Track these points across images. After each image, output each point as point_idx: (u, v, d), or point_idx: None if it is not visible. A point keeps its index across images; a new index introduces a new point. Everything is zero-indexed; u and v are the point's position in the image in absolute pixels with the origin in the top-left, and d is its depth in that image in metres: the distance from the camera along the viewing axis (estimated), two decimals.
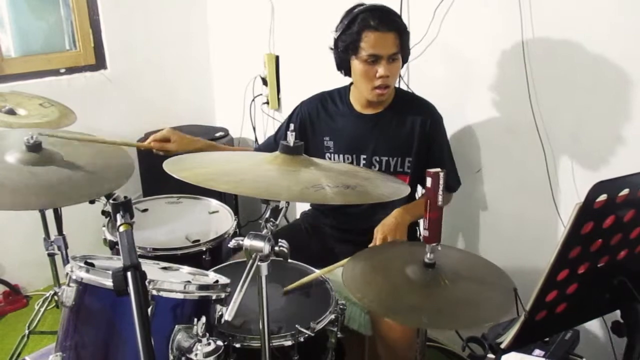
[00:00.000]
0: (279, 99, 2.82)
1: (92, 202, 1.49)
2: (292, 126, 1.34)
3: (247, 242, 1.13)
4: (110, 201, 1.15)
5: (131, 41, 2.86)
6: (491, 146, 1.98)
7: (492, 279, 1.32)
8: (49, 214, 2.05)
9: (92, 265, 1.22)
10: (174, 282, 1.19)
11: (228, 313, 1.15)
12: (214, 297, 1.25)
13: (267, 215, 1.21)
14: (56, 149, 1.53)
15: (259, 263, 1.13)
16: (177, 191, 2.10)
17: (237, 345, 1.33)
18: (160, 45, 2.95)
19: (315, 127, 1.90)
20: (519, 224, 1.95)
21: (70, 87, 2.70)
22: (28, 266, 2.64)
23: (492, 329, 1.33)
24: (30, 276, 2.75)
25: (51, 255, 2.07)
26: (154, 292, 1.13)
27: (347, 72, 1.77)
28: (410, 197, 1.81)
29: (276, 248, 1.15)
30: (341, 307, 1.45)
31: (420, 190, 1.97)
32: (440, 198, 1.23)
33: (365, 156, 1.83)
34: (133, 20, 2.84)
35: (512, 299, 1.15)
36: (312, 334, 1.34)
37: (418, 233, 1.97)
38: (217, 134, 2.88)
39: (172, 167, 1.23)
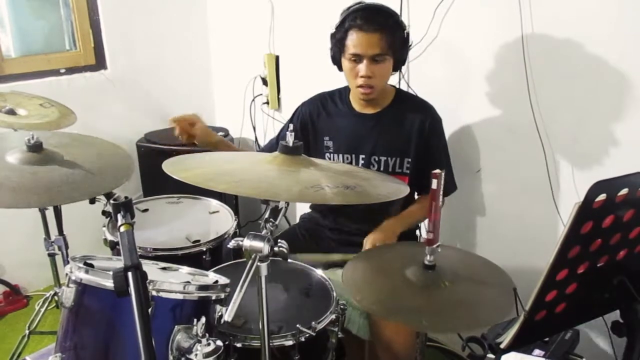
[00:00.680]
0: (279, 99, 2.82)
1: (92, 202, 1.48)
2: (291, 126, 1.34)
3: (247, 242, 1.13)
4: (111, 201, 1.15)
5: (131, 41, 2.86)
6: (491, 146, 1.98)
7: (492, 279, 1.32)
8: (50, 214, 2.05)
9: (91, 266, 1.22)
10: (173, 282, 1.19)
11: (228, 313, 1.16)
12: (213, 298, 1.25)
13: (266, 216, 1.21)
14: (57, 149, 1.53)
15: (258, 263, 1.13)
16: (177, 191, 2.10)
17: (238, 345, 1.33)
18: (160, 45, 2.96)
19: (315, 127, 1.90)
20: (519, 223, 1.95)
21: (70, 87, 2.70)
22: (28, 266, 2.64)
23: (492, 329, 1.33)
24: (30, 276, 2.75)
25: (51, 256, 2.08)
26: (154, 293, 1.13)
27: (340, 67, 1.79)
28: (409, 198, 1.81)
29: (275, 248, 1.15)
30: (342, 307, 1.45)
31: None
32: (441, 199, 1.23)
33: (364, 156, 1.83)
34: (133, 20, 2.84)
35: (512, 299, 1.15)
36: (313, 334, 1.34)
37: (418, 235, 1.98)
38: (217, 134, 2.87)
39: (172, 167, 1.23)
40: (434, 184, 1.22)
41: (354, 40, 1.66)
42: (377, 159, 1.82)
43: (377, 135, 1.82)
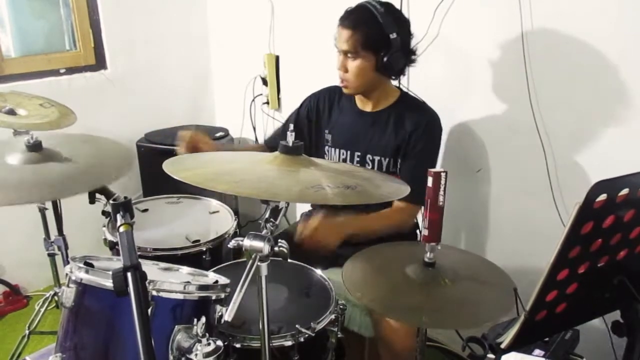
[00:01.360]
0: (279, 99, 2.82)
1: (92, 202, 1.48)
2: (291, 126, 1.33)
3: (247, 242, 1.13)
4: (111, 201, 1.15)
5: (131, 41, 2.86)
6: (491, 146, 1.98)
7: (492, 278, 1.33)
8: (49, 214, 2.05)
9: (91, 266, 1.22)
10: (173, 282, 1.19)
11: (228, 313, 1.16)
12: (213, 298, 1.25)
13: (267, 216, 1.21)
14: (56, 148, 1.53)
15: (258, 263, 1.13)
16: (177, 191, 2.10)
17: (237, 346, 1.33)
18: (160, 45, 2.96)
19: (319, 119, 1.94)
20: (519, 223, 1.95)
21: (70, 87, 2.70)
22: (28, 266, 2.64)
23: (492, 329, 1.33)
24: (30, 276, 2.75)
25: (51, 256, 2.08)
26: (154, 293, 1.13)
27: None
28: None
29: (276, 248, 1.15)
30: (341, 307, 1.45)
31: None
32: (441, 198, 1.23)
33: (359, 153, 1.84)
34: (133, 20, 2.84)
35: (512, 299, 1.15)
36: (313, 334, 1.34)
37: (418, 236, 1.97)
38: (217, 134, 2.88)
39: (172, 167, 1.23)
40: (430, 182, 1.22)
41: (336, 34, 1.74)
42: (371, 157, 1.82)
43: (373, 134, 1.83)
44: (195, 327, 1.15)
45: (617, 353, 1.72)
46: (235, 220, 1.93)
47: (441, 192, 1.22)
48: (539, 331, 1.13)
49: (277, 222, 1.21)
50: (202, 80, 3.20)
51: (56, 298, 2.17)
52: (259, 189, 1.15)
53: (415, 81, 2.09)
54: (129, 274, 0.97)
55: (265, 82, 2.82)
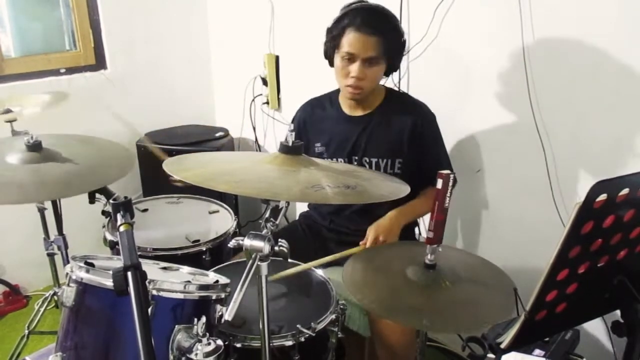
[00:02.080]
0: (279, 99, 2.82)
1: (92, 202, 1.49)
2: (292, 126, 1.34)
3: (247, 242, 1.13)
4: (111, 201, 1.15)
5: (131, 41, 2.86)
6: (491, 146, 1.98)
7: (492, 279, 1.32)
8: (49, 214, 2.05)
9: (92, 265, 1.22)
10: (174, 282, 1.19)
11: (228, 313, 1.16)
12: (214, 297, 1.25)
13: (267, 215, 1.21)
14: (56, 148, 1.53)
15: (259, 263, 1.13)
16: (177, 191, 2.10)
17: (238, 345, 1.33)
18: (160, 45, 2.95)
19: (307, 134, 1.91)
20: (519, 223, 1.95)
21: (70, 87, 2.69)
22: (28, 266, 2.64)
23: (492, 329, 1.33)
24: (30, 276, 2.75)
25: (51, 255, 2.08)
26: (154, 292, 1.13)
27: (331, 63, 1.78)
28: (403, 199, 1.81)
29: (276, 248, 1.15)
30: (342, 307, 1.45)
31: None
32: (447, 200, 1.23)
33: (356, 157, 1.83)
34: (133, 20, 2.84)
35: (512, 299, 1.15)
36: (313, 334, 1.34)
37: (418, 232, 1.97)
38: (217, 134, 2.88)
39: (172, 167, 1.23)
40: (439, 183, 1.21)
41: (350, 40, 1.65)
42: (368, 160, 1.82)
43: (367, 138, 1.81)
44: (195, 326, 1.15)
45: (617, 353, 1.72)
46: (235, 220, 1.93)
47: (448, 194, 1.22)
48: (539, 331, 1.13)
49: (277, 222, 1.21)
50: (202, 81, 3.20)
51: (56, 298, 2.17)
52: (259, 188, 1.15)
53: (415, 81, 2.10)
54: (129, 274, 0.97)
55: (265, 82, 2.82)
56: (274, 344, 1.31)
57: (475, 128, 2.01)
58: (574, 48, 1.66)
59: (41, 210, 2.09)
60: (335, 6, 1.77)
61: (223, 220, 1.93)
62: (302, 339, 1.34)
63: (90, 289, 1.16)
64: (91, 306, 1.18)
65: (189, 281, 1.32)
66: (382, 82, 1.82)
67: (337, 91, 1.88)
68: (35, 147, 1.48)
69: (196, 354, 1.11)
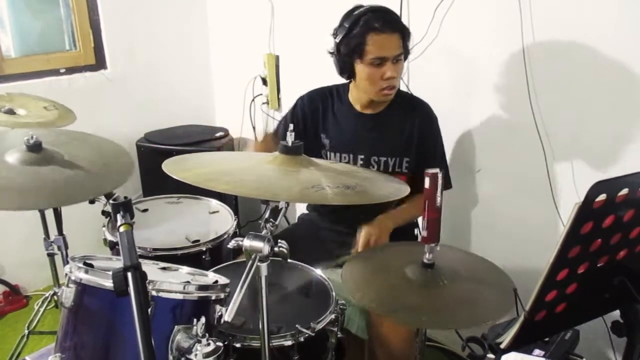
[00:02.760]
0: (279, 99, 2.82)
1: (92, 202, 1.49)
2: (291, 126, 1.33)
3: (247, 242, 1.13)
4: (111, 201, 1.15)
5: (131, 41, 2.86)
6: (491, 146, 1.98)
7: (491, 278, 1.32)
8: (49, 214, 2.05)
9: (91, 266, 1.22)
10: (173, 282, 1.19)
11: (228, 313, 1.16)
12: (213, 298, 1.25)
13: (266, 216, 1.21)
14: (56, 149, 1.53)
15: (258, 263, 1.13)
16: (177, 191, 2.10)
17: (237, 345, 1.33)
18: (160, 46, 2.95)
19: (314, 123, 1.89)
20: (519, 223, 1.95)
21: (70, 87, 2.70)
22: (28, 266, 2.64)
23: (492, 329, 1.33)
24: (30, 276, 2.75)
25: (51, 255, 2.07)
26: (154, 293, 1.13)
27: (351, 75, 1.75)
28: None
29: (275, 248, 1.15)
30: (341, 307, 1.45)
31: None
32: (438, 199, 1.23)
33: (362, 156, 1.83)
34: (133, 20, 2.84)
35: (511, 299, 1.15)
36: (313, 334, 1.34)
37: (417, 232, 1.97)
38: (217, 134, 2.88)
39: (172, 167, 1.23)
40: (427, 183, 1.22)
41: (376, 44, 1.64)
42: (376, 159, 1.82)
43: (377, 136, 1.82)
44: (195, 327, 1.15)
45: (617, 353, 1.72)
46: (235, 220, 1.93)
47: (438, 193, 1.22)
48: (538, 331, 1.13)
49: (277, 222, 1.21)
50: (202, 80, 3.20)
51: (55, 298, 2.17)
52: (259, 189, 1.15)
53: (416, 81, 2.09)
54: (129, 274, 0.97)
55: (265, 82, 2.82)
56: (274, 344, 1.31)
57: (475, 128, 2.01)
58: (573, 48, 1.66)
59: (41, 211, 2.09)
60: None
61: (223, 221, 1.93)
62: (302, 339, 1.34)
63: (90, 289, 1.16)
64: (90, 307, 1.17)
65: (188, 281, 1.32)
66: None
67: (345, 86, 1.88)
68: (35, 147, 1.48)
69: (195, 355, 1.11)
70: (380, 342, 1.63)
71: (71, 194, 1.39)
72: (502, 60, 1.85)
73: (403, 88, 2.10)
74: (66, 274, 1.19)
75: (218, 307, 1.25)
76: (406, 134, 1.80)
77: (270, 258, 1.14)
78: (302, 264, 1.65)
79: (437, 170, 1.22)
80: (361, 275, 1.33)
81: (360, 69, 1.70)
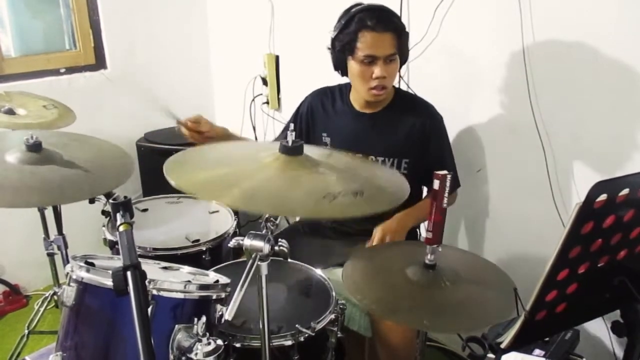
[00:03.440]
0: (279, 99, 2.82)
1: (92, 202, 1.49)
2: (292, 126, 1.32)
3: (247, 241, 1.13)
4: (110, 201, 1.15)
5: (131, 41, 2.86)
6: (491, 146, 1.98)
7: (492, 279, 1.32)
8: (49, 213, 2.05)
9: (92, 265, 1.22)
10: (174, 281, 1.19)
11: (228, 313, 1.16)
12: (214, 297, 1.25)
13: (267, 215, 1.21)
14: (56, 149, 1.53)
15: (259, 263, 1.13)
16: (177, 191, 2.09)
17: (237, 345, 1.33)
18: (160, 45, 2.95)
19: (316, 121, 1.91)
20: (519, 223, 1.95)
21: (70, 87, 2.70)
22: (28, 266, 2.64)
23: (492, 329, 1.33)
24: (30, 276, 2.75)
25: (51, 255, 2.08)
26: (154, 292, 1.13)
27: (344, 72, 1.76)
28: (408, 199, 1.80)
29: (276, 247, 1.15)
30: (341, 306, 1.45)
31: (425, 191, 1.95)
32: (445, 201, 1.23)
33: (360, 155, 1.82)
34: (133, 20, 2.84)
35: (512, 299, 1.15)
36: (313, 334, 1.34)
37: (418, 235, 1.97)
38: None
39: (172, 168, 1.22)
40: (436, 184, 1.21)
41: (367, 42, 1.64)
42: (374, 159, 1.82)
43: (375, 136, 1.82)
44: (195, 326, 1.15)
45: (617, 353, 1.72)
46: (235, 220, 1.93)
47: (445, 195, 1.22)
48: (539, 331, 1.13)
49: (277, 222, 1.21)
50: (202, 80, 3.19)
51: (55, 298, 2.17)
52: (273, 205, 1.11)
53: (415, 81, 2.10)
54: (128, 273, 0.97)
55: (265, 82, 2.82)
56: (274, 343, 1.31)
57: (475, 128, 2.01)
58: (574, 48, 1.66)
59: (41, 210, 2.09)
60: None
61: (223, 220, 1.93)
62: (302, 339, 1.34)
63: (91, 288, 1.16)
64: (91, 306, 1.18)
65: (189, 281, 1.32)
66: None
67: (347, 85, 1.88)
68: (35, 147, 1.48)
69: (196, 354, 1.11)
70: (382, 340, 1.63)
71: (71, 193, 1.39)
72: (502, 60, 1.85)
73: (403, 88, 2.11)
74: (67, 273, 1.19)
75: (219, 306, 1.25)
76: (405, 135, 1.79)
77: (271, 257, 1.14)
78: (302, 263, 1.65)
79: (446, 172, 1.21)
80: (362, 275, 1.33)
81: (352, 65, 1.71)
